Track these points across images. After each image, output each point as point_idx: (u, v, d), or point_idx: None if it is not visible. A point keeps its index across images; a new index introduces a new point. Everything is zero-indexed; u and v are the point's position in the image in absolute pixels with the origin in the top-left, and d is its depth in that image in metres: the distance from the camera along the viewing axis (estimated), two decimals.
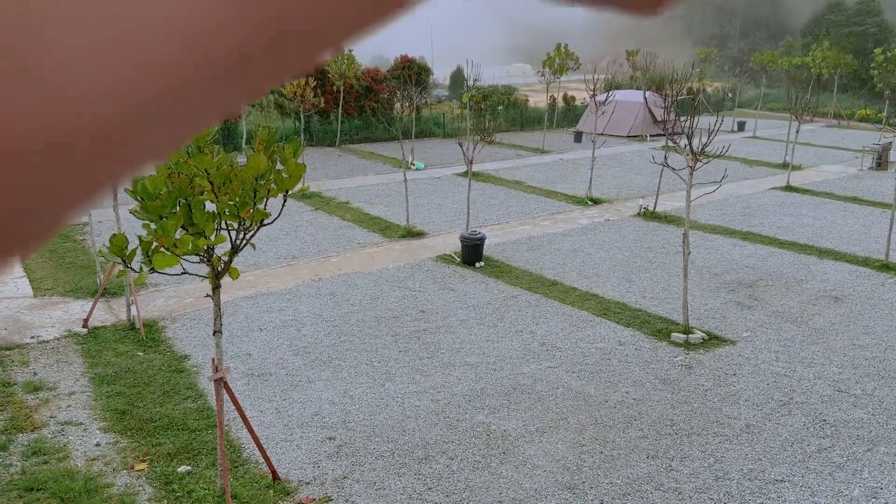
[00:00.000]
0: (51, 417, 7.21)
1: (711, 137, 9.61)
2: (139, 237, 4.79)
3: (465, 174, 16.66)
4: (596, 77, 19.71)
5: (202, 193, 4.92)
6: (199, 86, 0.21)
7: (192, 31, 0.20)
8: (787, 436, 7.04)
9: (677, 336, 9.23)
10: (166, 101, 0.21)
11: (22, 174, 0.20)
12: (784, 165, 22.11)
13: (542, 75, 28.78)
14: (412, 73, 27.74)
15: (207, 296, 5.42)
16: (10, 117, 0.19)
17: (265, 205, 5.17)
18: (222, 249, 5.33)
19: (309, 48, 0.22)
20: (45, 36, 0.19)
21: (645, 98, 27.01)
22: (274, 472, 6.21)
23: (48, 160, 0.20)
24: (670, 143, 10.90)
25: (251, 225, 5.22)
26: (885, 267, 12.22)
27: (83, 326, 9.39)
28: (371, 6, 0.22)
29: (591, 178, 17.92)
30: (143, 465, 6.42)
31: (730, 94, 44.16)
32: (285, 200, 5.31)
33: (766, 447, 6.84)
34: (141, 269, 4.82)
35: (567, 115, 34.84)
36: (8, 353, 8.68)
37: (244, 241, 5.26)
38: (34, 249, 0.23)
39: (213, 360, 5.59)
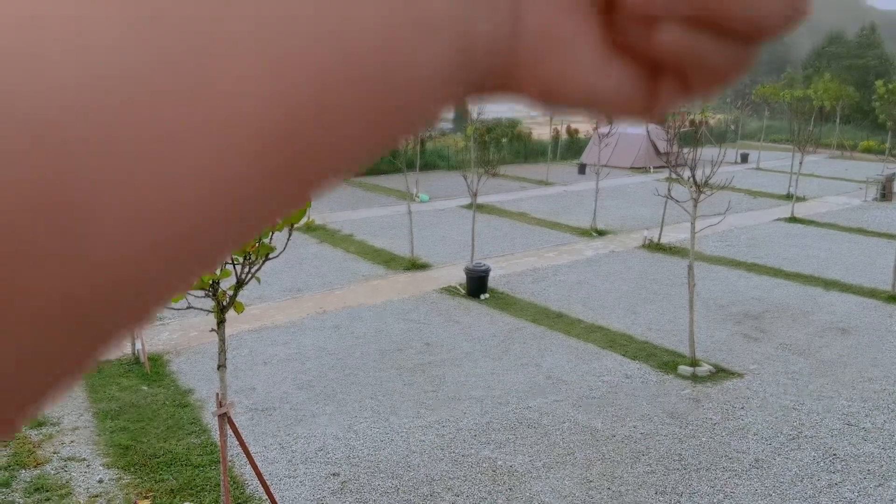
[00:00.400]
0: (54, 453, 7.17)
1: (715, 169, 9.65)
2: None
3: (469, 206, 16.70)
4: None
5: None
6: (228, 223, 0.19)
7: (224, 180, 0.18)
8: (796, 470, 6.95)
9: (684, 369, 9.16)
10: (194, 244, 0.19)
11: (33, 335, 0.17)
12: (788, 197, 22.12)
13: None
14: None
15: (212, 330, 5.41)
16: (52, 269, 0.16)
17: (270, 239, 5.19)
18: (227, 283, 5.33)
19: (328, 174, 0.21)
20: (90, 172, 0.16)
21: (647, 130, 27.15)
22: None
23: (70, 316, 0.17)
24: (674, 175, 10.94)
25: (256, 259, 5.24)
26: (892, 298, 12.15)
27: None
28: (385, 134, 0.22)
29: (595, 210, 17.95)
30: (147, 502, 6.36)
31: (732, 126, 44.40)
32: (290, 234, 5.33)
33: (776, 482, 6.74)
34: None
35: (571, 148, 35.02)
36: None
37: (249, 276, 5.27)
38: (35, 413, 0.19)
39: (217, 394, 5.56)
